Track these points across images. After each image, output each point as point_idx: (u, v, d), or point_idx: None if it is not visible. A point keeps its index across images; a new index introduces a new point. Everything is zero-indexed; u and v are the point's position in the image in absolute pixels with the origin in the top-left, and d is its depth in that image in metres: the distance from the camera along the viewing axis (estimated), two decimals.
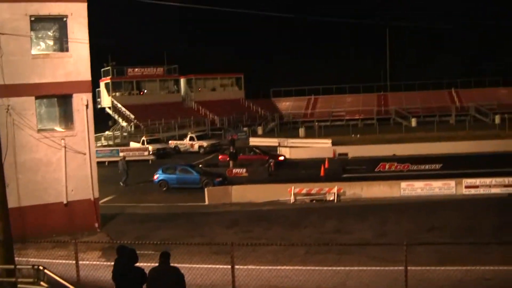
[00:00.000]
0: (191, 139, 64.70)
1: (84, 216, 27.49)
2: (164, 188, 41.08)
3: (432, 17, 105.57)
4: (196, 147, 63.56)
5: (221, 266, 18.08)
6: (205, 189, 36.38)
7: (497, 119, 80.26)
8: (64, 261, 19.32)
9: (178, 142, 65.95)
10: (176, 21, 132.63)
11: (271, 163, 47.51)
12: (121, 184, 43.95)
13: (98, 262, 20.72)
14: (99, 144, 65.41)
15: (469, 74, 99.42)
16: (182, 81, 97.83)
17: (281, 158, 51.26)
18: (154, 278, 12.68)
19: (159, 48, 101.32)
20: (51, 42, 28.08)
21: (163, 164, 46.12)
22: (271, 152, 53.60)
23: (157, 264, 12.77)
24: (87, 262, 19.28)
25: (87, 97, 27.65)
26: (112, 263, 13.75)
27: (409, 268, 14.63)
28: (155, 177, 42.10)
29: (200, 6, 32.95)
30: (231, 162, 48.63)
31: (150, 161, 56.40)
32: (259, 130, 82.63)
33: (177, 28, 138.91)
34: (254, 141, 67.75)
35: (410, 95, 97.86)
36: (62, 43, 27.79)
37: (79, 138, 27.58)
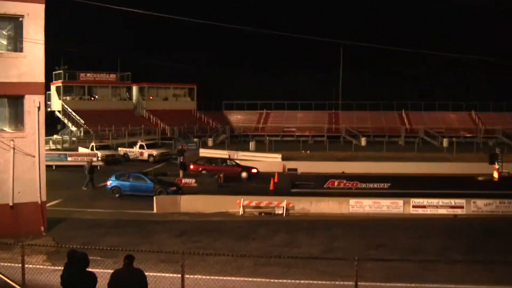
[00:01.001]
0: (141, 147, 64.21)
1: (30, 219, 26.95)
2: (117, 195, 40.64)
3: (388, 38, 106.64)
4: (145, 155, 63.10)
5: (169, 275, 17.96)
6: (154, 198, 36.09)
7: (445, 142, 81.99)
8: (7, 264, 18.99)
9: (128, 149, 65.39)
10: (132, 28, 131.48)
11: (221, 175, 47.48)
12: (84, 188, 43.73)
13: (43, 266, 20.32)
14: (47, 148, 64.35)
15: (420, 97, 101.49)
16: (135, 89, 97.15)
17: (254, 170, 51.37)
18: (118, 280, 12.57)
19: (113, 54, 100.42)
20: (5, 42, 27.57)
21: (116, 171, 45.70)
22: (243, 164, 53.64)
23: (112, 270, 12.66)
24: (32, 266, 18.88)
25: (39, 99, 27.17)
26: (58, 268, 13.52)
27: (359, 283, 14.74)
28: (108, 183, 41.65)
29: (157, 14, 32.64)
30: (180, 172, 48.61)
31: (98, 167, 55.67)
32: (210, 142, 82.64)
33: (133, 35, 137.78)
34: (204, 152, 67.44)
35: (361, 114, 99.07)
36: (16, 43, 27.30)
37: (29, 140, 27.08)
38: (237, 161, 54.94)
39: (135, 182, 41.06)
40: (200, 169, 51.32)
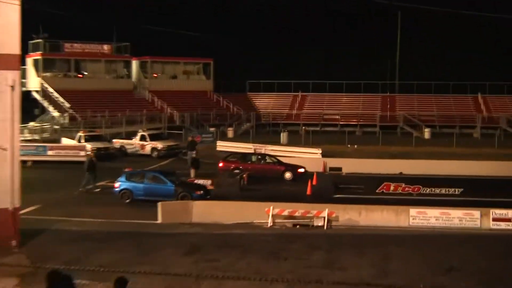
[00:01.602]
0: (142, 138, 64.32)
1: None
2: (128, 200, 40.80)
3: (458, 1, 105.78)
4: (148, 149, 63.15)
5: None
6: (158, 204, 35.99)
7: None
8: None
9: (125, 141, 65.55)
10: None
11: (244, 175, 47.37)
12: (81, 189, 44.17)
13: None
14: (22, 138, 64.52)
15: (502, 77, 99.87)
16: (135, 64, 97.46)
17: (301, 170, 51.22)
18: None
19: (107, 21, 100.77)
20: None
21: (113, 169, 45.97)
22: (286, 162, 53.64)
23: None
24: None
25: (13, 76, 26.90)
26: None
27: None
28: (116, 185, 41.72)
29: None
30: (192, 171, 48.51)
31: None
32: (230, 133, 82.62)
33: None
34: (222, 146, 67.66)
35: (424, 99, 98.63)
36: None
37: None
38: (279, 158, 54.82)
39: (152, 184, 41.20)
40: (231, 167, 51.41)
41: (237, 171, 50.05)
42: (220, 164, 52.62)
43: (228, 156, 55.08)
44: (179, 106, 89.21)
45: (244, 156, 54.59)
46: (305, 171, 51.13)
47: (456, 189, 43.81)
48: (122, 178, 41.82)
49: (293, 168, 51.69)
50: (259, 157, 54.44)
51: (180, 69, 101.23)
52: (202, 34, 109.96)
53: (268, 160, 53.35)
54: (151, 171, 44.80)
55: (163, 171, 45.92)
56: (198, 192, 40.22)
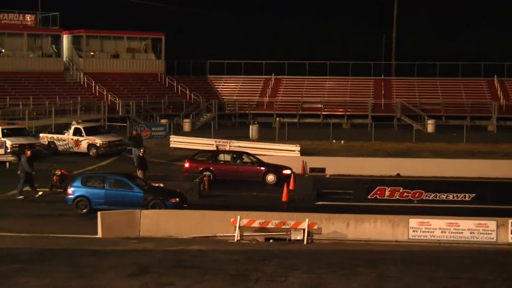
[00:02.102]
0: (77, 132, 64.05)
1: None
2: (84, 210, 40.82)
3: None
4: (84, 146, 62.89)
5: None
6: (98, 214, 35.96)
7: None
8: None
9: (55, 136, 65.22)
10: None
11: (205, 178, 47.47)
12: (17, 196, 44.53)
13: None
14: None
15: None
16: (66, 39, 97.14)
17: (287, 171, 51.22)
18: None
19: None
20: None
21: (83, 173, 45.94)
22: (268, 162, 53.68)
23: None
24: None
25: None
26: None
27: None
28: (70, 191, 41.62)
29: None
30: (139, 172, 48.45)
31: (7, 164, 55.58)
32: (186, 125, 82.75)
33: None
34: (176, 142, 67.68)
35: (426, 83, 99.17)
36: None
37: None
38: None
39: (115, 189, 41.14)
40: (200, 168, 51.50)
41: (206, 173, 50.33)
42: (186, 165, 52.64)
43: (195, 154, 55.03)
44: (123, 93, 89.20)
45: (216, 155, 54.55)
46: (292, 172, 51.28)
47: (467, 195, 44.17)
48: (77, 183, 41.69)
49: (276, 169, 51.69)
50: (235, 155, 54.24)
51: (123, 46, 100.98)
52: (152, 2, 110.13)
53: (245, 159, 53.22)
54: (113, 174, 44.53)
55: (128, 174, 45.81)
56: (173, 200, 40.26)
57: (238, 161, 52.99)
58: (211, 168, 51.48)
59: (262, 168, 51.78)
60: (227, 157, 53.70)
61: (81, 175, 43.51)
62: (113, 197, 40.57)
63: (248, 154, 54.57)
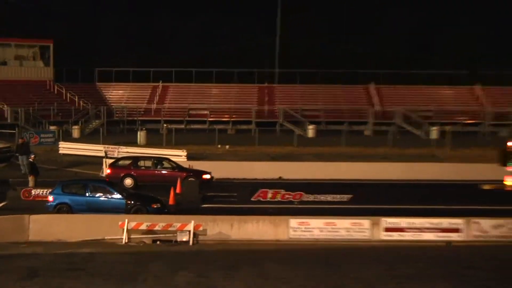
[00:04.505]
0: None
1: None
2: None
3: None
4: None
5: None
6: None
7: (435, 132, 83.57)
8: None
9: None
10: None
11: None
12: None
13: None
14: None
15: (397, 65, 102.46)
16: None
17: (207, 176, 50.94)
18: None
19: None
20: None
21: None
22: (189, 168, 53.51)
23: None
24: None
25: None
26: None
27: None
28: (50, 198, 40.85)
29: None
30: (30, 178, 47.96)
31: None
32: (75, 132, 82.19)
33: None
34: (66, 148, 67.08)
35: (308, 90, 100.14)
36: None
37: None
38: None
39: (97, 196, 40.61)
40: (122, 174, 51.15)
41: (128, 178, 50.21)
42: (108, 171, 52.33)
43: (117, 160, 54.73)
44: (11, 100, 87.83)
45: (136, 161, 54.23)
46: (212, 177, 51.40)
47: (345, 196, 44.88)
48: (57, 190, 40.96)
49: (196, 174, 51.34)
50: (156, 161, 53.85)
51: (11, 53, 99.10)
52: (39, 8, 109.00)
53: (166, 165, 52.88)
54: (93, 180, 44.49)
55: (109, 181, 45.57)
56: (155, 206, 40.08)
57: (159, 166, 52.72)
58: (133, 173, 51.24)
59: (182, 173, 51.42)
60: (148, 163, 53.38)
61: (60, 182, 42.60)
62: (95, 204, 39.98)
63: (169, 160, 54.22)
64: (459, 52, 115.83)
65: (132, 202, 40.07)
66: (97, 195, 40.56)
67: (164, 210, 40.19)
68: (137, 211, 39.03)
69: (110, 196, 40.41)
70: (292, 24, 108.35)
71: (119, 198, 40.17)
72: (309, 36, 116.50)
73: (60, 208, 40.00)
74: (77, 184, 42.36)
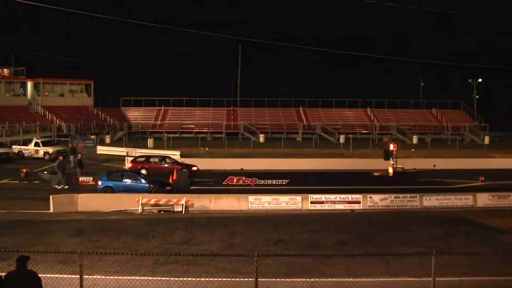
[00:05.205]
0: (36, 144, 62.41)
1: None
2: None
3: (287, 35, 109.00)
4: (41, 153, 61.32)
5: (67, 276, 17.47)
6: (50, 197, 35.15)
7: (342, 138, 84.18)
8: None
9: (22, 147, 63.41)
10: (27, 21, 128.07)
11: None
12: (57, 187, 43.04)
13: None
14: None
15: (317, 94, 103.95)
16: (29, 84, 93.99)
17: (195, 168, 50.88)
18: (10, 283, 12.14)
19: (6, 48, 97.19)
20: None
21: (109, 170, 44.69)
22: (183, 162, 53.23)
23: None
24: None
25: None
26: None
27: (259, 279, 14.81)
28: (99, 183, 40.55)
29: (50, 6, 31.91)
30: (78, 170, 47.66)
31: None
32: (107, 139, 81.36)
33: (27, 28, 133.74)
34: (101, 150, 66.87)
35: (259, 111, 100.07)
36: None
37: None
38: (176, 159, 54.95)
39: (130, 181, 40.40)
40: (139, 167, 50.56)
41: (143, 170, 49.45)
42: (130, 165, 52.07)
43: (135, 158, 54.49)
44: (66, 118, 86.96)
45: (148, 158, 53.61)
46: (197, 169, 51.04)
47: (284, 180, 44.94)
48: (104, 178, 40.87)
49: (187, 167, 50.92)
50: (161, 158, 53.51)
51: (66, 88, 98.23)
52: (85, 60, 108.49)
53: (168, 160, 52.74)
54: (128, 171, 44.51)
55: (137, 171, 46.05)
56: (167, 188, 40.11)
57: (163, 162, 52.44)
58: (146, 166, 50.87)
59: (178, 166, 50.97)
60: (156, 160, 52.95)
61: (106, 172, 42.96)
62: (129, 187, 39.82)
63: (169, 158, 54.20)
64: (357, 86, 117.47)
65: (153, 185, 40.00)
66: (130, 181, 40.50)
67: (173, 190, 39.86)
68: (156, 192, 38.77)
69: (138, 182, 40.39)
70: (247, 69, 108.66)
71: (144, 183, 40.18)
72: (258, 76, 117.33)
73: (105, 190, 39.84)
74: (116, 174, 42.34)
